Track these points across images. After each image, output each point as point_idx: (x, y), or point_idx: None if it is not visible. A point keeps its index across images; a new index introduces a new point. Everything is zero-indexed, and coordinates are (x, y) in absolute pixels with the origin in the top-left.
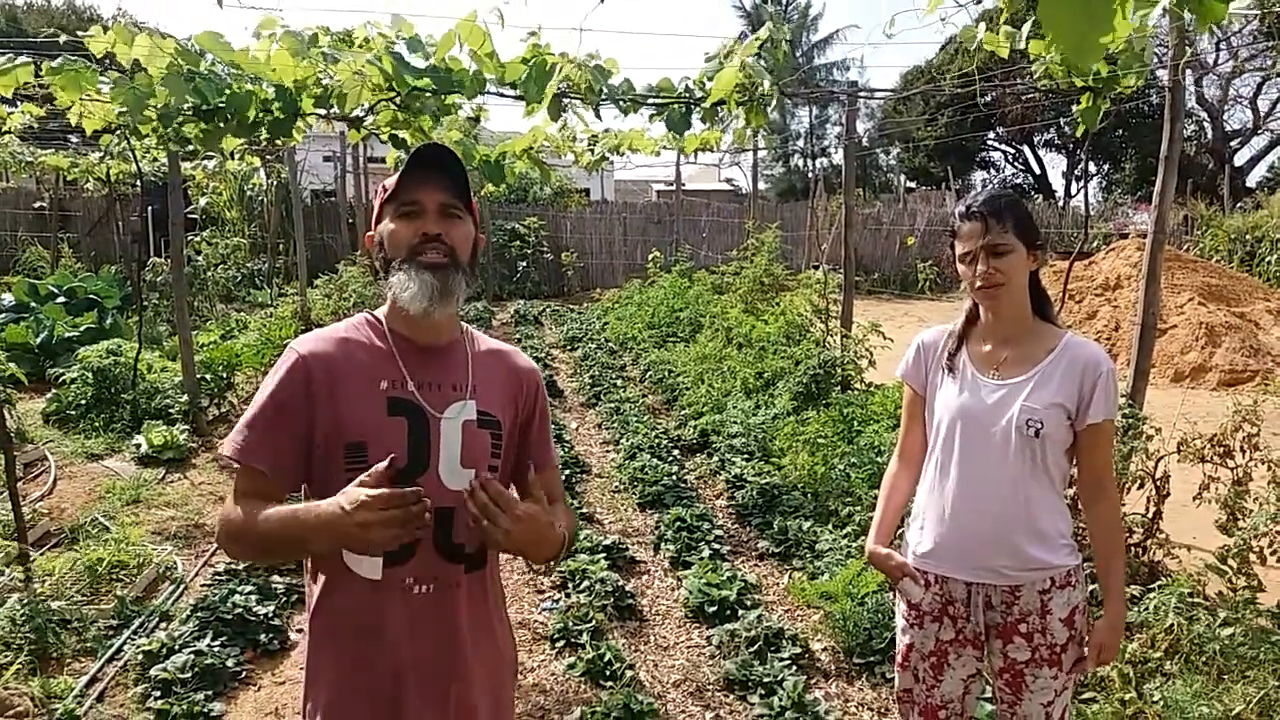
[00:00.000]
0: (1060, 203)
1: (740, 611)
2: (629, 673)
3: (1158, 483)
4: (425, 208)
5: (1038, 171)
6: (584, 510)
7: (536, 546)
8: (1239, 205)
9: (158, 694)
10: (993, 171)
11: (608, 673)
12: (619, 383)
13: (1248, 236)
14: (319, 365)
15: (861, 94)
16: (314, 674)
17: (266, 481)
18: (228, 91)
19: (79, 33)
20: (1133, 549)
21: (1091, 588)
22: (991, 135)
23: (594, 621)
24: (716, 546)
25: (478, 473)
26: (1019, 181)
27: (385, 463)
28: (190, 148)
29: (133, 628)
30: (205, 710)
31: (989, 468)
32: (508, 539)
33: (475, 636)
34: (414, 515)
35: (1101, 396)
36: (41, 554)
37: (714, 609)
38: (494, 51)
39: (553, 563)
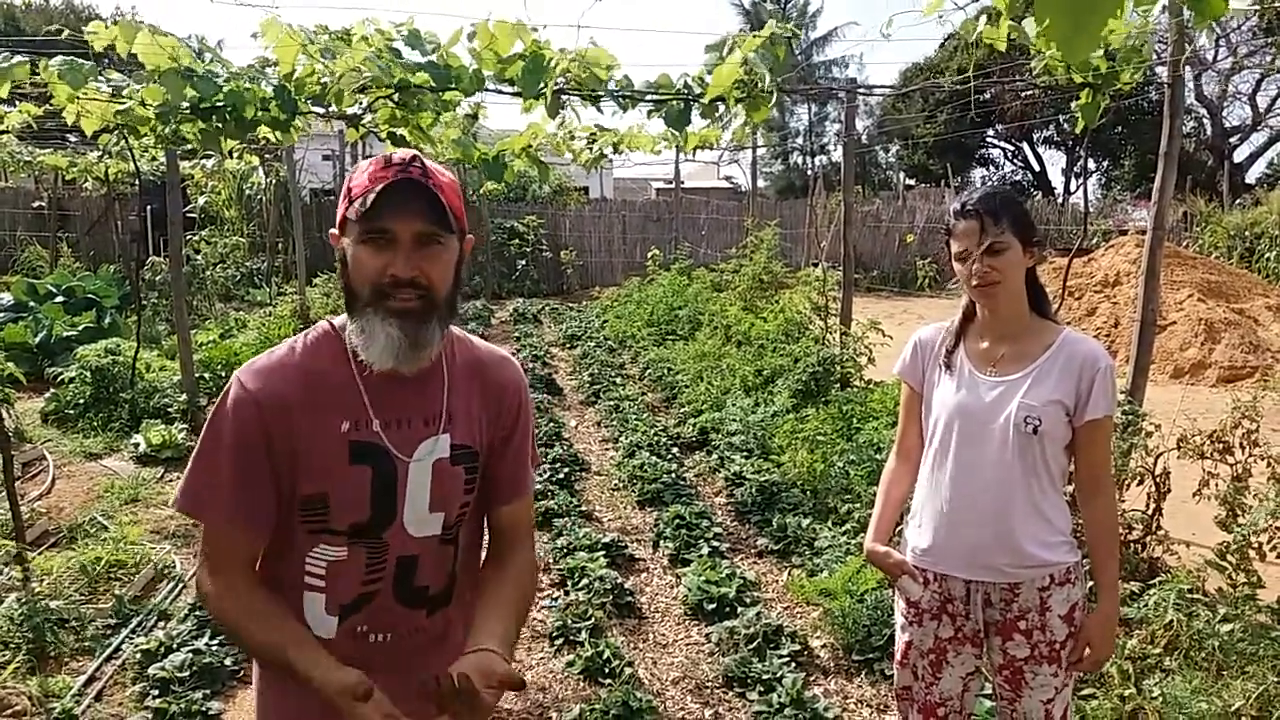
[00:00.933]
0: (1059, 199)
1: (739, 609)
2: (628, 670)
3: (1157, 479)
4: (397, 238)
5: (1037, 168)
6: (583, 508)
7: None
8: (1238, 202)
9: (156, 693)
10: (992, 168)
11: (607, 670)
12: (618, 380)
13: (1247, 233)
14: (271, 404)
15: (860, 91)
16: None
17: (245, 536)
18: (226, 89)
19: (81, 30)
20: (1133, 545)
21: (1091, 584)
22: (991, 132)
23: (593, 619)
24: (716, 544)
25: (449, 514)
26: (1018, 178)
27: (363, 693)
28: (189, 146)
29: (131, 626)
30: (203, 709)
31: (987, 465)
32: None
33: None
34: None
35: (1099, 393)
36: (40, 553)
37: (713, 606)
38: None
39: None
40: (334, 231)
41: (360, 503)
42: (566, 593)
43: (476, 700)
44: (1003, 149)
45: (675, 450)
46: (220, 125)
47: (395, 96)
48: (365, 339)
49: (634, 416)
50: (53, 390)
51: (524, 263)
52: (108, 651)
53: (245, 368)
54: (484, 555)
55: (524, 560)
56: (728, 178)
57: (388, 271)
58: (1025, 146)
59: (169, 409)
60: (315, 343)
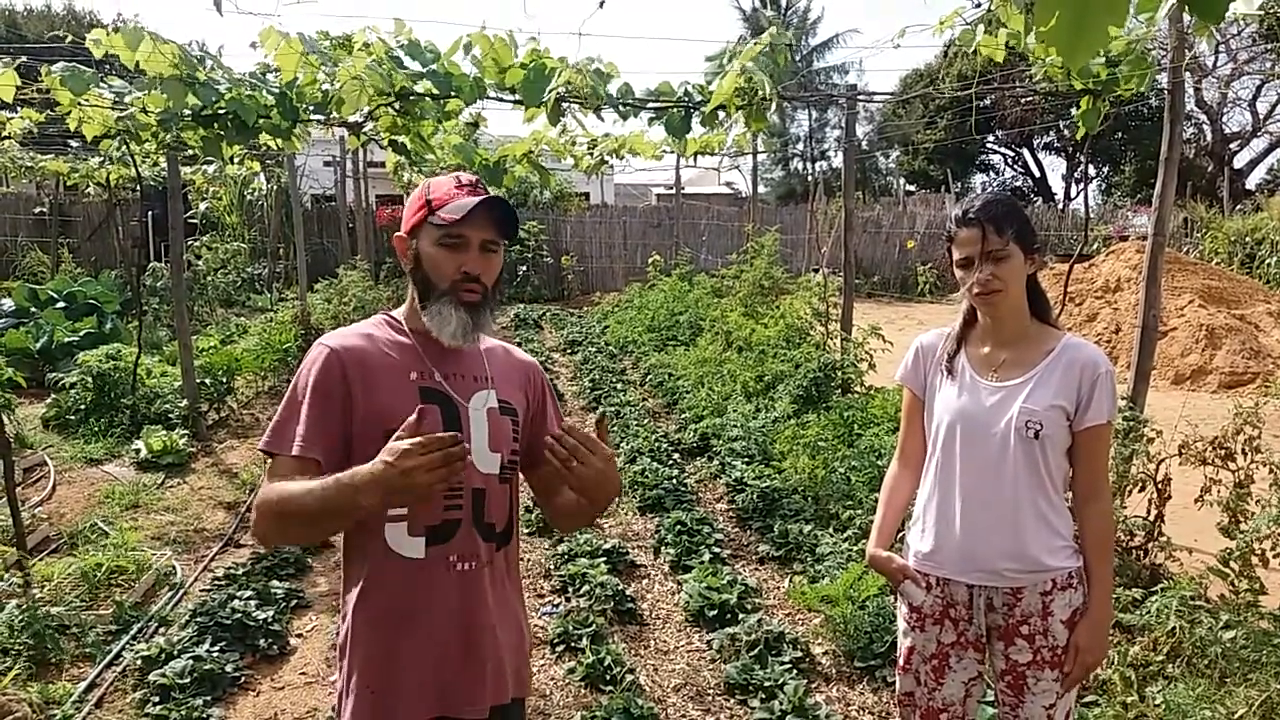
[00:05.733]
0: (1060, 205)
1: (741, 615)
2: (629, 677)
3: (1159, 485)
4: (470, 242)
5: (1037, 174)
6: None
7: (609, 488)
8: (1238, 208)
9: (156, 700)
10: (992, 174)
11: (608, 677)
12: (619, 386)
13: (1247, 239)
14: (352, 358)
15: (861, 97)
16: (357, 655)
17: (315, 472)
18: (227, 96)
19: (83, 36)
20: (1134, 551)
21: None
22: (991, 138)
23: (594, 626)
24: (717, 550)
25: (503, 456)
26: (1018, 184)
27: (414, 415)
28: (190, 152)
29: (131, 633)
30: (204, 716)
31: (989, 470)
32: (596, 476)
33: (502, 610)
34: (454, 456)
35: (1100, 398)
36: (40, 559)
37: (714, 613)
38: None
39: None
40: (400, 235)
41: (436, 431)
42: (567, 599)
43: (584, 453)
44: (1003, 155)
45: (676, 456)
46: (222, 132)
47: (397, 105)
48: (440, 320)
49: (635, 422)
50: (54, 396)
51: (525, 268)
52: (108, 658)
53: (326, 336)
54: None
55: None
56: (728, 183)
57: (460, 268)
58: (1025, 152)
59: (170, 415)
60: (379, 323)
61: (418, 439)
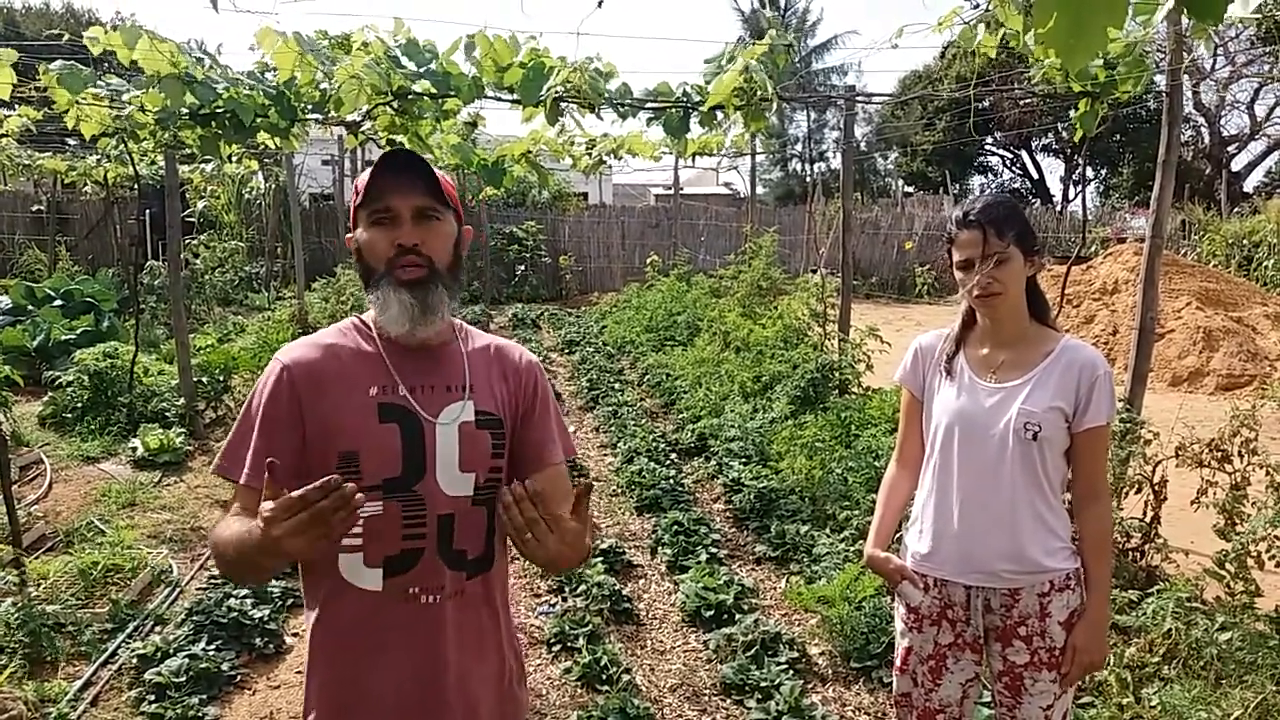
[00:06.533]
0: (1058, 207)
1: (737, 615)
2: (625, 677)
3: (1155, 487)
4: (399, 214)
5: (1035, 176)
6: None
7: (571, 560)
8: (1236, 210)
9: (152, 698)
10: (990, 176)
11: (604, 677)
12: (617, 386)
13: (1245, 241)
14: (304, 374)
15: (859, 99)
16: (315, 686)
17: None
18: (225, 95)
19: (81, 34)
20: (1131, 553)
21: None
22: (989, 140)
23: (591, 625)
24: (714, 550)
25: (479, 476)
26: (1016, 186)
27: (318, 484)
28: (188, 151)
29: (127, 631)
30: (200, 714)
31: (987, 471)
32: (549, 556)
33: (477, 641)
34: (325, 511)
35: (1098, 399)
36: (36, 557)
37: (711, 613)
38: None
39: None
40: (349, 235)
41: (391, 457)
42: (564, 599)
43: (551, 511)
44: (1001, 157)
45: (673, 456)
46: (219, 131)
47: (395, 104)
48: (382, 308)
49: (632, 422)
50: (50, 394)
51: (523, 268)
52: (104, 656)
53: (283, 347)
54: None
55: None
56: (727, 184)
57: (394, 242)
58: (1024, 154)
59: (167, 413)
60: (344, 328)
61: (274, 502)
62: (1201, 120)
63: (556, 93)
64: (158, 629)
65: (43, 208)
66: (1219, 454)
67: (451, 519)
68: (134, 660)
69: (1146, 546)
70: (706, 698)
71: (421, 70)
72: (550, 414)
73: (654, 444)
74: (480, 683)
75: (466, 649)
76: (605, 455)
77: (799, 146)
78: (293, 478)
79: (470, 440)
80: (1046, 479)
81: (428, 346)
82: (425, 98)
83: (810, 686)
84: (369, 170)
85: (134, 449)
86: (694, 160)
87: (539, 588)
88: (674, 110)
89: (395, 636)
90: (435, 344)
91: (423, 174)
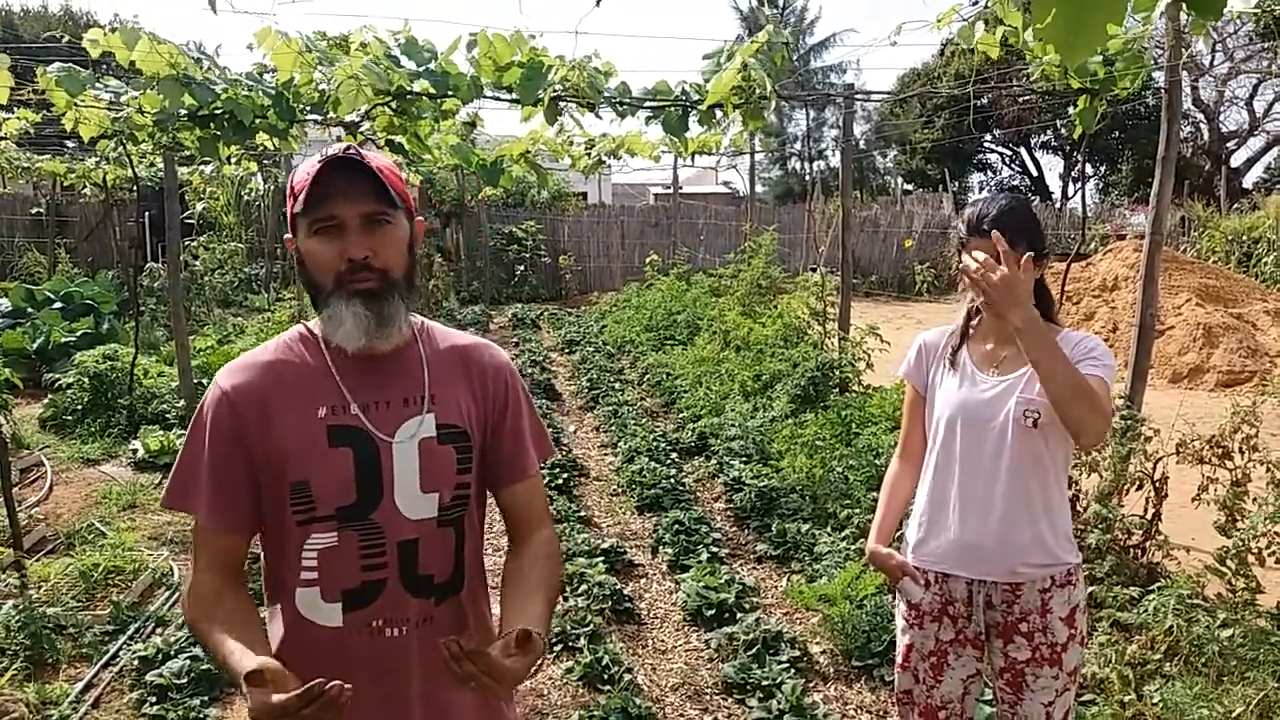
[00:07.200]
0: (1057, 204)
1: (739, 614)
2: (627, 676)
3: (1156, 484)
4: (345, 222)
5: (1035, 173)
6: (582, 513)
7: (522, 680)
8: (1235, 206)
9: (153, 700)
10: (989, 173)
11: (605, 676)
12: (617, 385)
13: (1244, 237)
14: (245, 400)
15: (858, 97)
16: None
17: (225, 537)
18: (223, 96)
19: (80, 36)
20: (1132, 550)
21: (1091, 589)
22: (988, 137)
23: (592, 625)
24: (715, 549)
25: (443, 495)
26: (1016, 183)
27: (299, 691)
28: (187, 153)
29: (129, 633)
30: (201, 716)
31: (989, 463)
32: (496, 696)
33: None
34: (310, 716)
35: (1090, 360)
36: (37, 559)
37: (712, 612)
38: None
39: None
40: (289, 236)
41: (344, 485)
42: (565, 598)
43: (490, 663)
44: (1000, 154)
45: (674, 455)
46: (218, 132)
47: (393, 104)
48: (334, 324)
49: (633, 421)
50: (51, 396)
51: (522, 268)
52: (105, 658)
53: (223, 369)
54: (508, 547)
55: (541, 539)
56: (726, 183)
57: (343, 255)
58: (1023, 151)
59: (167, 415)
60: (289, 341)
61: (260, 704)
62: (1201, 116)
63: (555, 92)
64: (159, 631)
65: (42, 210)
66: (1219, 450)
67: (415, 544)
68: (135, 662)
69: (1147, 543)
70: (708, 697)
71: (420, 70)
72: (524, 420)
73: (654, 443)
74: (459, 712)
75: (439, 680)
76: (606, 455)
77: (798, 145)
78: (249, 495)
79: (432, 457)
80: (1049, 472)
81: (381, 354)
82: (424, 98)
83: (812, 685)
84: (305, 171)
85: (134, 451)
86: (693, 159)
87: None
88: (673, 109)
89: (359, 675)
90: (389, 351)
91: (369, 178)
